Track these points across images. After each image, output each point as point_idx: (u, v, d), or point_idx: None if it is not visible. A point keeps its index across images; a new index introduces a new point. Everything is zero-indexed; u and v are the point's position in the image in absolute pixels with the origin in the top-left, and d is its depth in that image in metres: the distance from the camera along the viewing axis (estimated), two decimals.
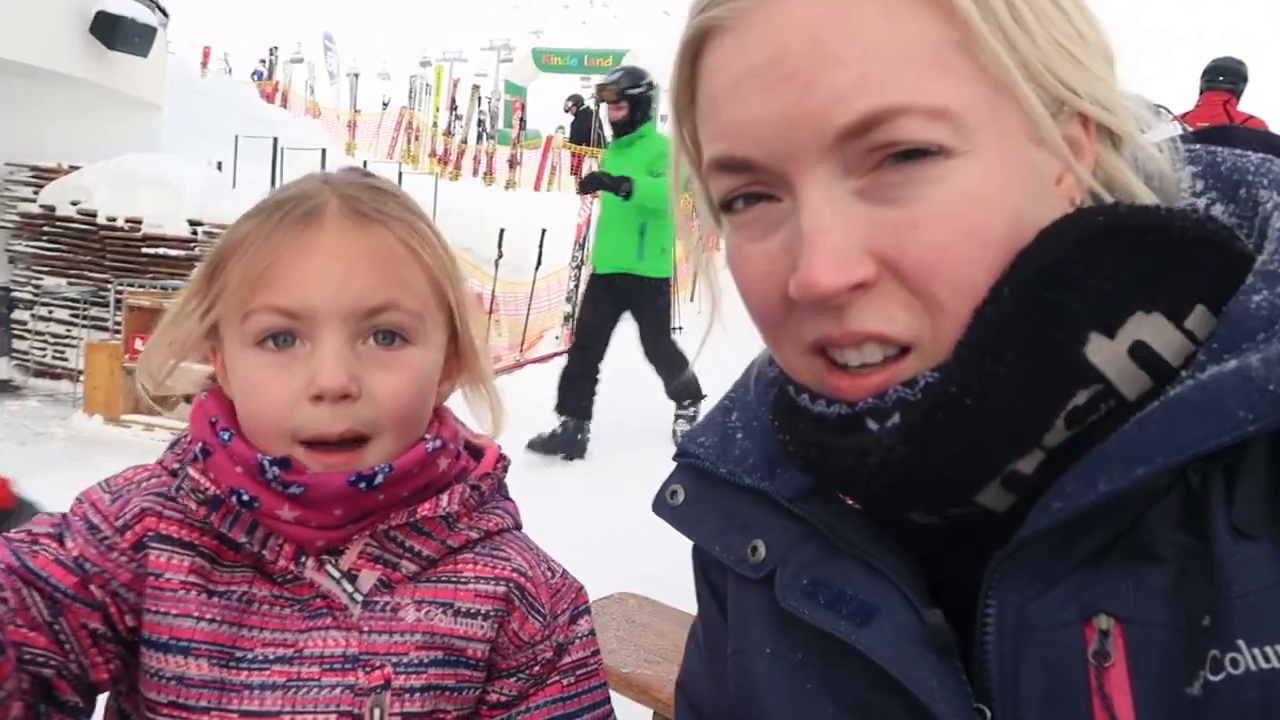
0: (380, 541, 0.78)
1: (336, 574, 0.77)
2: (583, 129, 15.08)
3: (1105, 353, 0.49)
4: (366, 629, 0.77)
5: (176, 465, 0.79)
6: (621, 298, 5.16)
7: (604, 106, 5.49)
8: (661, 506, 0.70)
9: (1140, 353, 0.49)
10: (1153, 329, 0.49)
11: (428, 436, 0.80)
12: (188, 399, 0.83)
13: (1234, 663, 0.44)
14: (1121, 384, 0.50)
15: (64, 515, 0.77)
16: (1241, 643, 0.44)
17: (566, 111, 15.81)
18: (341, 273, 0.76)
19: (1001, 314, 0.49)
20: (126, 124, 8.13)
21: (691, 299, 7.31)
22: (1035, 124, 0.51)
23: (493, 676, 0.83)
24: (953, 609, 0.54)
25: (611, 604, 2.06)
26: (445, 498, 0.79)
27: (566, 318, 7.79)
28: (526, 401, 5.06)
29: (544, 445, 5.10)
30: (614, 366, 5.05)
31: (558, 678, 0.85)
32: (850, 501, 0.60)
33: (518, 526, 0.88)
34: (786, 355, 0.57)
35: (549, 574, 0.86)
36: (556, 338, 7.73)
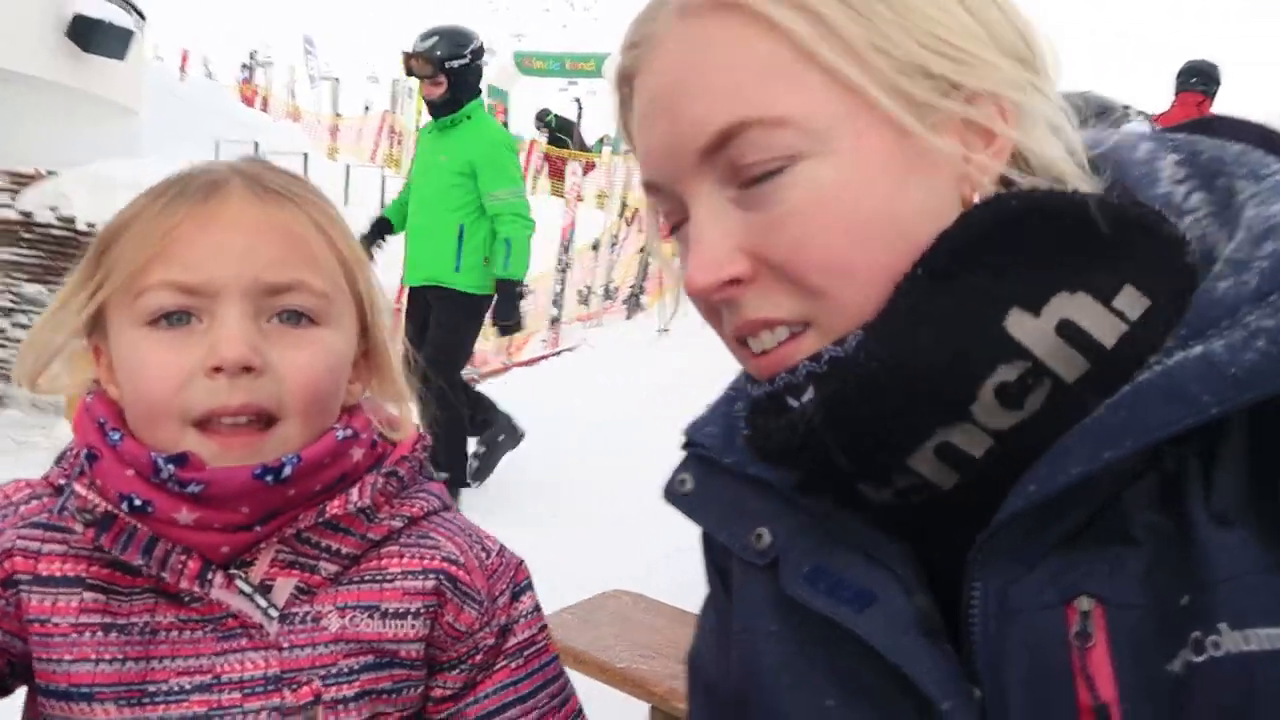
0: (292, 546, 0.71)
1: (248, 589, 0.70)
2: (564, 132, 15.07)
3: (1029, 328, 0.51)
4: (287, 645, 0.71)
5: (63, 481, 0.72)
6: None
7: (418, 82, 4.15)
8: (672, 494, 0.72)
9: (1067, 331, 0.51)
10: (1078, 308, 0.51)
11: (337, 426, 0.74)
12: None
13: (1215, 645, 0.45)
14: (1053, 362, 0.51)
15: None
16: (1223, 626, 0.45)
17: (539, 130, 15.54)
18: (244, 246, 0.70)
19: (915, 288, 0.53)
20: (104, 128, 8.07)
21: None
22: (900, 118, 0.53)
23: (434, 670, 0.78)
24: (942, 595, 0.56)
25: (605, 600, 2.08)
26: (355, 492, 0.73)
27: (553, 320, 7.79)
28: (516, 405, 5.05)
29: (481, 472, 4.44)
30: (601, 371, 4.99)
31: (505, 661, 0.80)
32: None
33: (446, 508, 0.82)
34: (730, 350, 0.62)
35: (483, 555, 0.80)
36: (543, 341, 7.74)
